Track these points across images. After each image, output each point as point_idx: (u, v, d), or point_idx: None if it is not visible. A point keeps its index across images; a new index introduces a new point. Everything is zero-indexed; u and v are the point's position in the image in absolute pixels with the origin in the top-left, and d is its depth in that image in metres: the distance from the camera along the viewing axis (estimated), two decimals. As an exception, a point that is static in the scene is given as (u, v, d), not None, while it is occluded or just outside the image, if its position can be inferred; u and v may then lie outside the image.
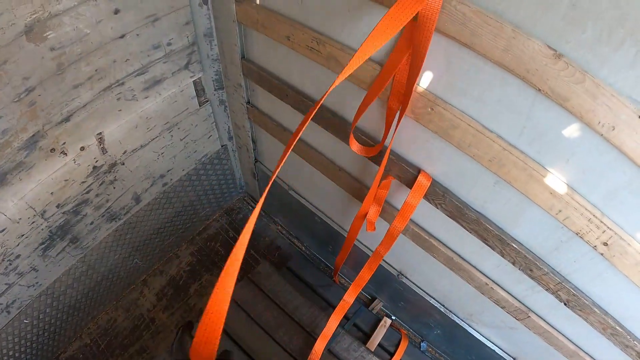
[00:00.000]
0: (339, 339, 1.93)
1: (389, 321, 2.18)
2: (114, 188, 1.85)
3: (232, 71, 1.85)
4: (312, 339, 1.91)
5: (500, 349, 1.91)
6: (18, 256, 1.63)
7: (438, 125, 1.19)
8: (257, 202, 2.98)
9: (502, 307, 1.57)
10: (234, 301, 1.95)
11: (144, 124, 1.76)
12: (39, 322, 2.00)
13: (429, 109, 1.17)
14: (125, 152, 1.76)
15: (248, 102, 1.99)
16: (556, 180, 1.07)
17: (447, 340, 2.25)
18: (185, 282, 2.64)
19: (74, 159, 1.56)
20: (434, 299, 1.99)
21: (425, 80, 1.16)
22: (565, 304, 1.32)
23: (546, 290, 1.33)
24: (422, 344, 2.41)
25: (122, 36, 1.41)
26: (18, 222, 1.52)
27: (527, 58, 0.90)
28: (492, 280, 1.55)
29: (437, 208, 1.41)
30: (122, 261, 2.29)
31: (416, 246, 1.69)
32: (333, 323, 1.87)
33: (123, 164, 1.79)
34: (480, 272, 1.56)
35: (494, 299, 1.57)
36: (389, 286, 2.21)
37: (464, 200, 1.36)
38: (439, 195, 1.37)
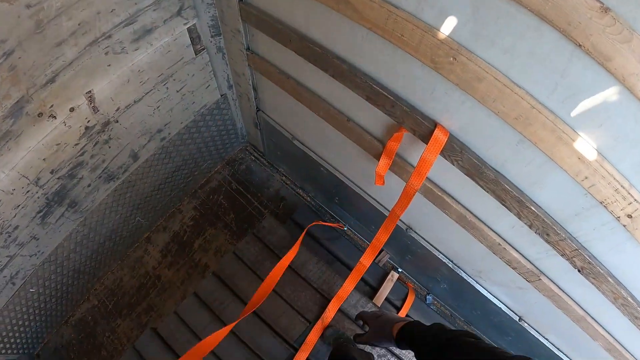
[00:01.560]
0: (346, 294, 1.93)
1: (396, 275, 2.17)
2: (110, 147, 1.76)
3: (229, 15, 1.69)
4: (319, 295, 1.91)
5: (507, 307, 1.91)
6: (16, 227, 1.58)
7: (460, 77, 1.07)
8: (260, 151, 2.87)
9: (513, 268, 1.53)
10: (240, 259, 1.93)
11: (136, 78, 1.63)
12: (45, 290, 2.00)
13: (451, 59, 1.05)
14: (118, 109, 1.65)
15: (248, 49, 1.84)
16: (586, 145, 0.97)
17: (453, 295, 2.27)
18: (189, 237, 2.63)
19: (64, 122, 1.46)
20: (442, 254, 1.97)
21: (448, 26, 1.02)
22: (579, 271, 1.27)
23: (561, 255, 1.29)
24: (427, 297, 2.43)
25: (105, -17, 1.26)
26: (12, 193, 1.46)
27: (569, 9, 0.78)
28: (505, 241, 1.50)
29: (453, 165, 1.32)
30: (123, 221, 2.26)
31: (428, 202, 1.62)
32: (349, 286, 1.84)
33: (117, 121, 1.69)
34: (494, 231, 1.51)
35: (505, 259, 1.53)
36: (397, 239, 2.17)
37: (483, 158, 1.27)
38: (456, 151, 1.28)
